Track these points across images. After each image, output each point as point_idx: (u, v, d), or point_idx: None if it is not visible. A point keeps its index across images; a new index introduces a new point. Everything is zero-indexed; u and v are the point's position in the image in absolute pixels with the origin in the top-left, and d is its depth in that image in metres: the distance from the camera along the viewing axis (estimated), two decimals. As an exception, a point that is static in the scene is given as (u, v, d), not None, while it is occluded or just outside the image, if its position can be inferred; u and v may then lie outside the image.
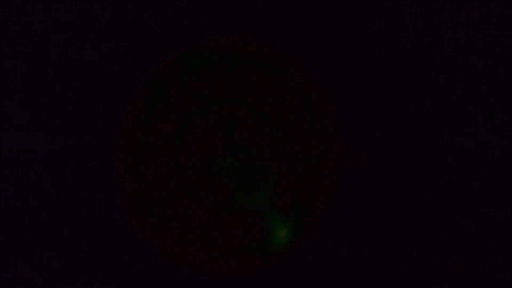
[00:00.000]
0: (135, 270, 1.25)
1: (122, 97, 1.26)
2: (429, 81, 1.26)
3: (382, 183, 1.24)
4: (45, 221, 1.27)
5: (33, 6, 1.29)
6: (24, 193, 1.28)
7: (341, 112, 1.26)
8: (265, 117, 1.30)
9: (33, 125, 1.28)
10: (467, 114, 1.25)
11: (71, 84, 1.29)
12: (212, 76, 1.32)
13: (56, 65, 1.29)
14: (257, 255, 1.27)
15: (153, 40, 1.27)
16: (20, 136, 1.28)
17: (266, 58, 1.28)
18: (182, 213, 1.30)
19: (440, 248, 1.24)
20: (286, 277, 1.23)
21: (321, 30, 1.26)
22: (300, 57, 1.27)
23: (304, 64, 1.27)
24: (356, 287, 1.24)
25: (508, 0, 1.26)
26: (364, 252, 1.24)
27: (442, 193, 1.25)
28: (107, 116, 1.25)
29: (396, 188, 1.25)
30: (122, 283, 1.25)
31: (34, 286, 1.26)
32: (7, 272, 1.27)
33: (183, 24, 1.27)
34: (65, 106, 1.28)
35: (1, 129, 1.29)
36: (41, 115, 1.28)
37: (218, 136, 1.29)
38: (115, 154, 1.27)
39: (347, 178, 1.23)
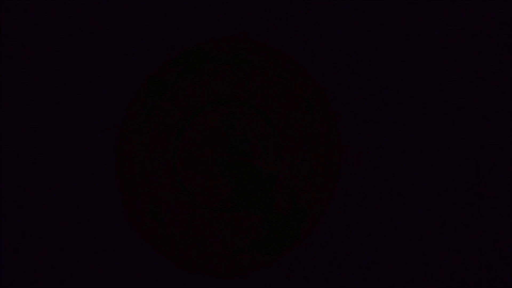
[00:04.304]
0: (135, 270, 1.25)
1: (122, 97, 1.26)
2: (429, 81, 1.26)
3: (382, 183, 1.24)
4: (45, 221, 1.27)
5: (31, 6, 1.29)
6: (24, 193, 1.28)
7: (341, 112, 1.26)
8: (265, 117, 1.30)
9: (33, 125, 1.28)
10: (467, 114, 1.25)
11: (70, 84, 1.29)
12: (212, 76, 1.32)
13: (55, 65, 1.29)
14: (257, 255, 1.27)
15: (152, 39, 1.27)
16: (20, 136, 1.28)
17: (266, 58, 1.28)
18: (182, 213, 1.30)
19: (441, 248, 1.24)
20: (286, 277, 1.23)
21: (321, 30, 1.26)
22: (300, 57, 1.27)
23: (304, 64, 1.27)
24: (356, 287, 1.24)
25: (508, 0, 1.26)
26: (364, 253, 1.24)
27: (442, 193, 1.25)
28: (107, 116, 1.25)
29: (396, 188, 1.25)
30: (122, 283, 1.25)
31: (34, 286, 1.26)
32: (7, 272, 1.27)
33: (183, 24, 1.27)
34: (63, 106, 1.28)
35: (1, 129, 1.29)
36: (40, 115, 1.28)
37: (218, 136, 1.29)
38: (115, 154, 1.27)
39: (347, 178, 1.23)
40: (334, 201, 1.25)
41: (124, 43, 1.28)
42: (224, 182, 1.29)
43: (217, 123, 1.30)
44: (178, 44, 1.27)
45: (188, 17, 1.27)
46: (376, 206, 1.24)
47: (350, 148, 1.25)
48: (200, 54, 1.29)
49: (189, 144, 1.31)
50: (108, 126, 1.25)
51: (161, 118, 1.32)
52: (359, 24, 1.26)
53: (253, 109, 1.30)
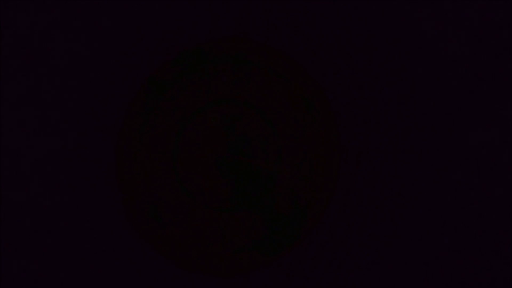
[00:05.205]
0: (135, 270, 1.25)
1: (122, 97, 1.26)
2: (429, 81, 1.26)
3: (382, 183, 1.24)
4: (45, 221, 1.27)
5: (31, 6, 1.29)
6: (24, 193, 1.28)
7: (341, 112, 1.26)
8: (265, 117, 1.30)
9: (33, 125, 1.28)
10: (467, 114, 1.25)
11: (70, 84, 1.29)
12: (212, 76, 1.32)
13: (55, 65, 1.29)
14: (257, 255, 1.27)
15: (152, 39, 1.27)
16: (20, 136, 1.28)
17: (266, 58, 1.28)
18: (182, 213, 1.30)
19: (441, 248, 1.24)
20: (286, 278, 1.23)
21: (321, 30, 1.26)
22: (300, 57, 1.27)
23: (304, 64, 1.27)
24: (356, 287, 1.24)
25: (508, 0, 1.26)
26: (364, 253, 1.24)
27: (442, 193, 1.25)
28: (107, 116, 1.25)
29: (396, 188, 1.25)
30: (122, 283, 1.25)
31: (34, 286, 1.26)
32: (7, 272, 1.27)
33: (183, 24, 1.27)
34: (63, 106, 1.28)
35: (1, 129, 1.29)
36: (40, 115, 1.28)
37: (218, 136, 1.29)
38: (115, 154, 1.27)
39: (347, 178, 1.23)
40: (334, 201, 1.25)
41: (124, 43, 1.28)
42: (224, 182, 1.29)
43: (217, 123, 1.30)
44: (178, 44, 1.27)
45: (188, 17, 1.27)
46: (376, 206, 1.24)
47: (350, 148, 1.25)
48: (200, 54, 1.29)
49: (189, 144, 1.31)
50: (108, 126, 1.25)
51: (161, 118, 1.32)
52: (359, 24, 1.26)
53: (253, 109, 1.30)
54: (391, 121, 1.25)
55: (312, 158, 1.29)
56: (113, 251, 1.26)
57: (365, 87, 1.25)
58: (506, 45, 1.25)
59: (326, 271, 1.24)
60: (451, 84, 1.25)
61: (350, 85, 1.25)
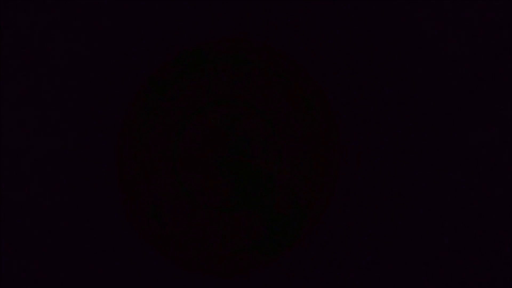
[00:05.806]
0: (135, 270, 1.25)
1: (122, 97, 1.26)
2: (429, 81, 1.26)
3: (382, 183, 1.24)
4: (45, 221, 1.27)
5: (31, 6, 1.29)
6: (24, 193, 1.28)
7: (341, 112, 1.26)
8: (265, 117, 1.30)
9: (33, 125, 1.28)
10: (467, 114, 1.25)
11: (70, 84, 1.29)
12: (212, 76, 1.32)
13: (55, 65, 1.29)
14: (257, 255, 1.27)
15: (152, 39, 1.27)
16: (20, 136, 1.28)
17: (266, 58, 1.28)
18: (182, 213, 1.30)
19: (441, 248, 1.24)
20: (286, 278, 1.23)
21: (321, 30, 1.26)
22: (300, 57, 1.27)
23: (304, 64, 1.27)
24: None
25: (508, 0, 1.26)
26: (364, 253, 1.24)
27: (442, 193, 1.25)
28: (107, 116, 1.25)
29: (396, 188, 1.25)
30: (122, 283, 1.25)
31: (34, 286, 1.26)
32: (7, 272, 1.27)
33: (183, 24, 1.27)
34: (63, 106, 1.28)
35: (1, 129, 1.29)
36: (40, 115, 1.28)
37: (218, 136, 1.29)
38: (115, 154, 1.27)
39: (347, 178, 1.23)
40: (334, 201, 1.25)
41: (124, 43, 1.28)
42: (224, 182, 1.29)
43: (217, 123, 1.30)
44: (178, 44, 1.27)
45: (188, 17, 1.27)
46: (376, 206, 1.24)
47: (350, 148, 1.25)
48: (200, 54, 1.29)
49: (189, 144, 1.31)
50: (108, 126, 1.25)
51: (161, 118, 1.32)
52: (359, 24, 1.26)
53: (253, 109, 1.30)
54: (391, 121, 1.25)
55: (312, 158, 1.29)
56: (113, 251, 1.26)
57: (365, 87, 1.25)
58: (506, 45, 1.25)
59: (326, 271, 1.24)
60: (451, 84, 1.25)
61: (350, 85, 1.25)
